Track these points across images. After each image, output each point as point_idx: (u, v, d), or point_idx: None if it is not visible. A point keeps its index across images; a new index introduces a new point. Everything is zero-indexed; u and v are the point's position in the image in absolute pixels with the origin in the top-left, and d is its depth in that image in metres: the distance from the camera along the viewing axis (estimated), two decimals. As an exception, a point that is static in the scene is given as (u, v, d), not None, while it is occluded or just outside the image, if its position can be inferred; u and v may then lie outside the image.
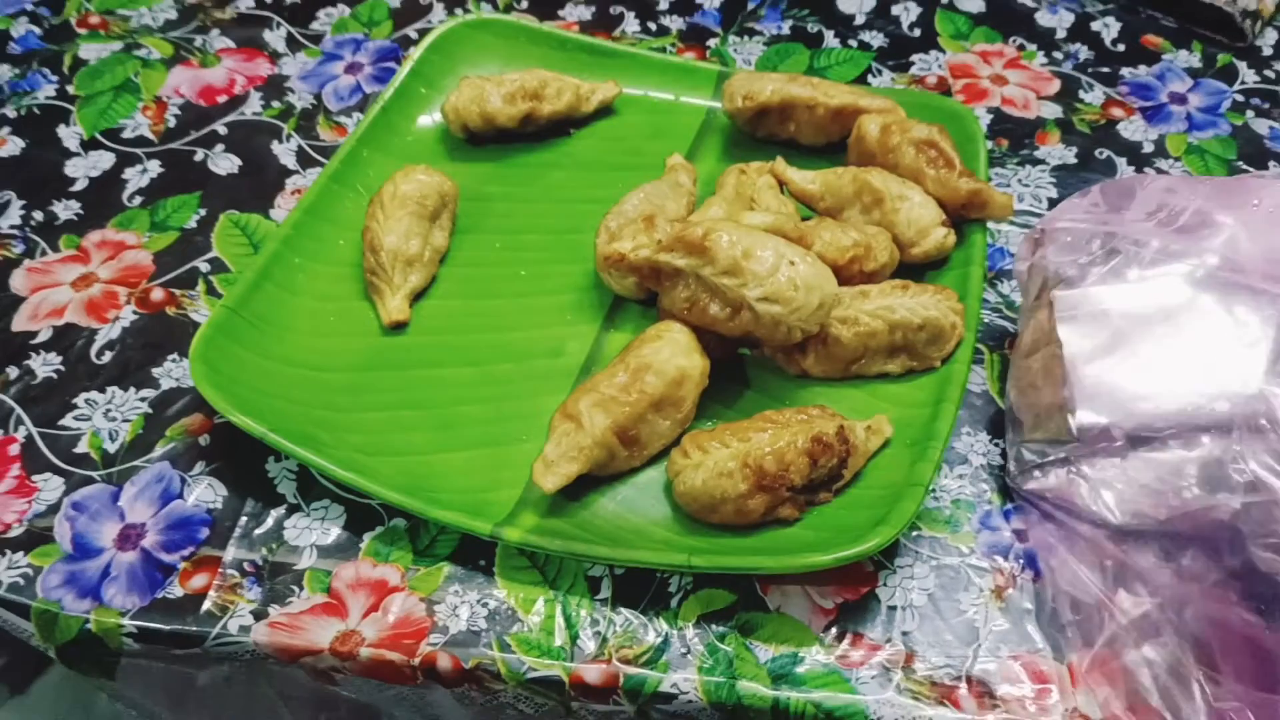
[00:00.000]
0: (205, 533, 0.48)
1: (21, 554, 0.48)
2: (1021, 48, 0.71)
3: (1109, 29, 0.72)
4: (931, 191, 0.57)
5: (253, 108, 0.67)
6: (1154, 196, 0.50)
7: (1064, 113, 0.67)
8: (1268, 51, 0.71)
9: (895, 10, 0.73)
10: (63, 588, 0.47)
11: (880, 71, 0.69)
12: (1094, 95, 0.68)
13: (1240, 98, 0.68)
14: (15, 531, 0.48)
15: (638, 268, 0.52)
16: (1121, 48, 0.71)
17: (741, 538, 0.47)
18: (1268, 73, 0.69)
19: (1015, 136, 0.65)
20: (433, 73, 0.65)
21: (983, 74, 0.69)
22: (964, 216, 0.57)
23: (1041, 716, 0.43)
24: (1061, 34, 0.72)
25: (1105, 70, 0.69)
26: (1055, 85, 0.68)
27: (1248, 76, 0.69)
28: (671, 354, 0.50)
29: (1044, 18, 0.73)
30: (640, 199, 0.57)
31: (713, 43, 0.71)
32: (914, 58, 0.70)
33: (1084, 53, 0.70)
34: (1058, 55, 0.70)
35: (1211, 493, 0.44)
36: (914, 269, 0.57)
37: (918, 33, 0.72)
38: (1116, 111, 0.67)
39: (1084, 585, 0.45)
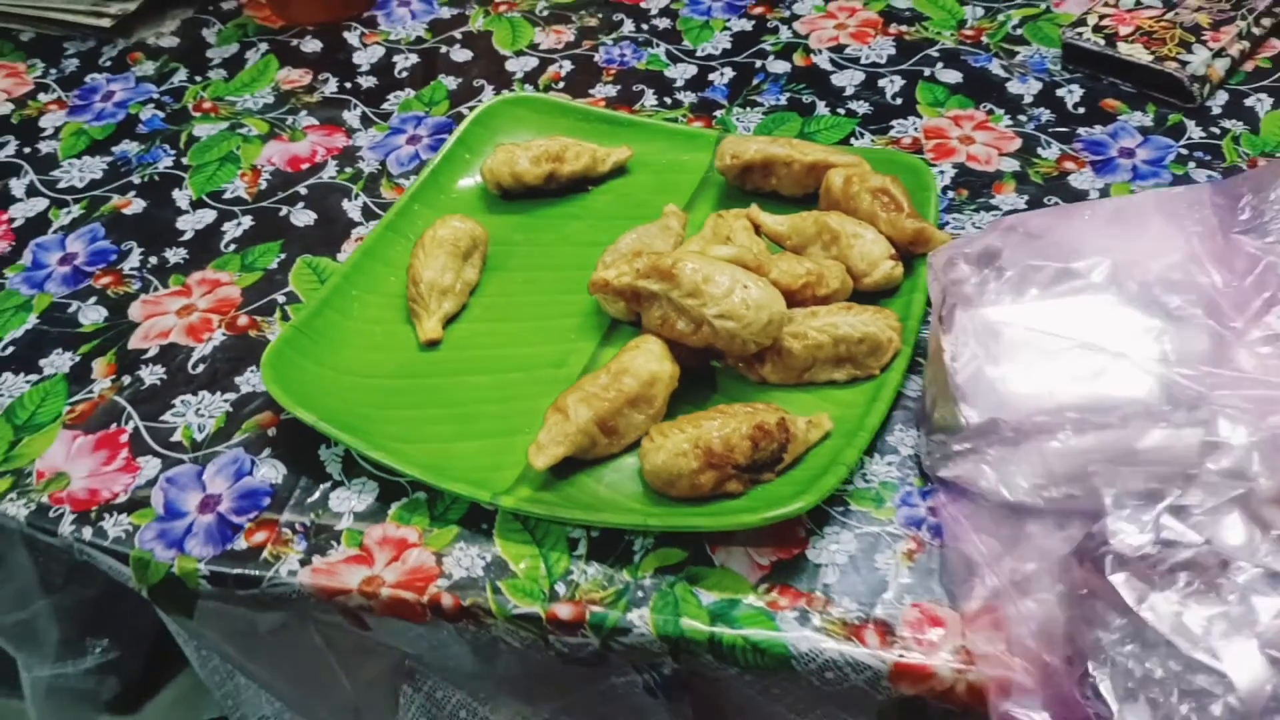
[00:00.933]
0: (267, 501, 0.60)
1: (125, 515, 0.60)
2: (990, 112, 0.81)
3: (1072, 94, 0.81)
4: (883, 231, 0.67)
5: (329, 173, 0.81)
6: (1048, 224, 0.59)
7: (1021, 166, 0.76)
8: (1217, 111, 0.79)
9: (881, 83, 0.84)
10: (154, 541, 0.59)
11: (862, 134, 0.80)
12: (1051, 151, 0.77)
13: (1185, 151, 0.76)
14: (121, 499, 0.61)
15: (621, 291, 0.63)
16: (1082, 110, 0.80)
17: (695, 507, 0.57)
18: (1213, 129, 0.77)
19: (974, 187, 0.75)
20: (475, 141, 0.78)
21: (952, 135, 0.79)
22: (911, 252, 0.67)
23: (932, 651, 0.51)
24: (1029, 100, 0.81)
25: (1064, 130, 0.78)
26: (1016, 143, 0.78)
27: (1194, 132, 0.77)
28: (646, 360, 0.61)
29: (1014, 86, 0.83)
30: (633, 238, 0.68)
31: (719, 113, 0.83)
32: (894, 122, 0.80)
33: (1046, 115, 0.80)
34: (1022, 118, 0.80)
35: (1084, 479, 0.52)
36: (869, 296, 0.66)
37: (899, 101, 0.82)
38: (1069, 165, 0.76)
39: (979, 549, 0.54)
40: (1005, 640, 0.50)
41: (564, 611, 0.55)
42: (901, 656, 0.52)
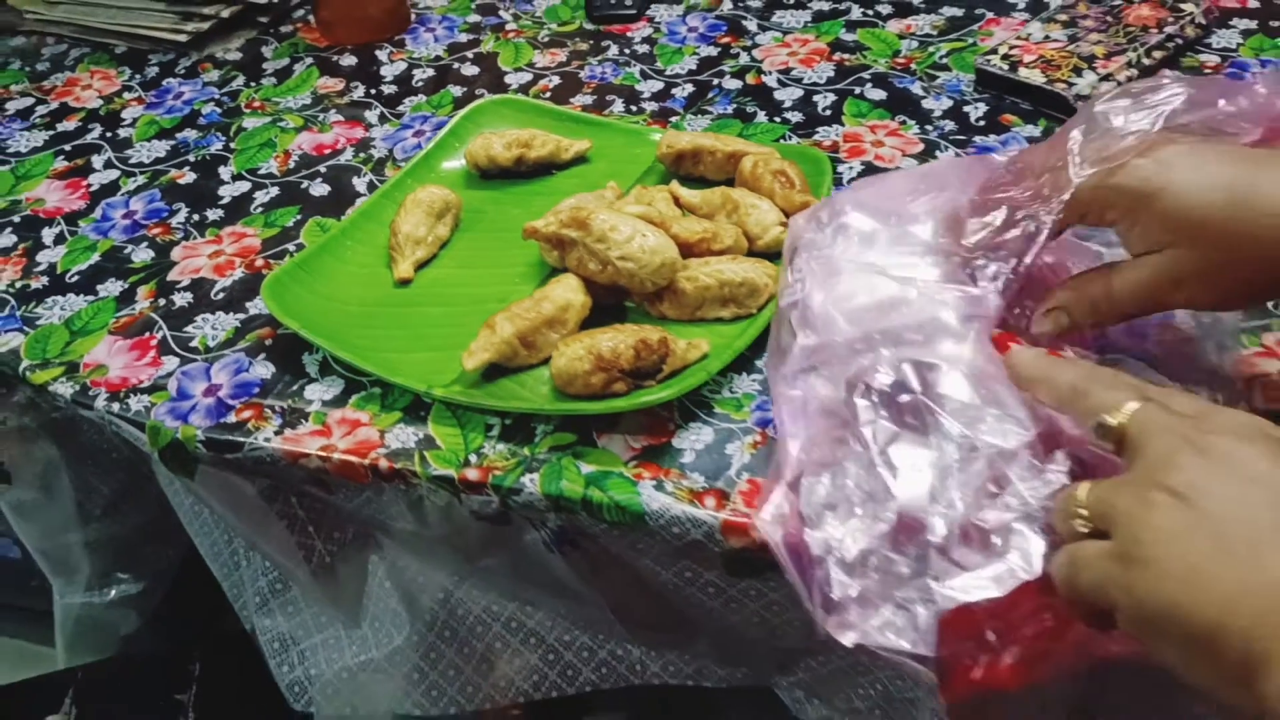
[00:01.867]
0: (256, 390, 0.76)
1: (146, 396, 0.76)
2: (903, 122, 0.94)
3: (977, 110, 0.95)
4: (778, 204, 0.81)
5: (346, 157, 0.97)
6: (890, 188, 0.72)
7: (918, 164, 0.89)
8: (1099, 126, 0.91)
9: (816, 98, 0.98)
10: (165, 414, 0.75)
11: (790, 138, 0.94)
12: (946, 154, 0.90)
13: (1062, 156, 0.88)
14: (145, 384, 0.77)
15: (548, 237, 0.78)
16: (983, 123, 0.93)
17: (587, 401, 0.71)
18: (1092, 140, 0.90)
19: (875, 179, 0.88)
20: (464, 133, 0.94)
21: (867, 140, 0.93)
22: (801, 222, 0.80)
23: (754, 511, 0.64)
24: (939, 113, 0.95)
25: (962, 138, 0.92)
26: (919, 147, 0.91)
27: (1074, 142, 0.90)
28: (563, 290, 0.75)
29: (928, 103, 0.96)
30: (572, 202, 0.83)
31: (674, 119, 0.98)
32: (820, 129, 0.94)
33: (950, 125, 0.93)
34: (929, 128, 0.93)
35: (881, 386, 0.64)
36: (764, 257, 0.80)
37: (829, 113, 0.96)
38: (959, 164, 0.88)
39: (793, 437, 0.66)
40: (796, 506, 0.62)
41: (472, 475, 0.69)
42: (731, 516, 0.65)
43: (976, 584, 0.52)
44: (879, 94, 0.98)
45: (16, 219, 0.94)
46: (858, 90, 0.99)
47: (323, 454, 0.71)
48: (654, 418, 0.71)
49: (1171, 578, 0.43)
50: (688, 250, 0.78)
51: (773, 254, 0.80)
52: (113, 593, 1.07)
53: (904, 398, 0.57)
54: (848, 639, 0.56)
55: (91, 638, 1.12)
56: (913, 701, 0.72)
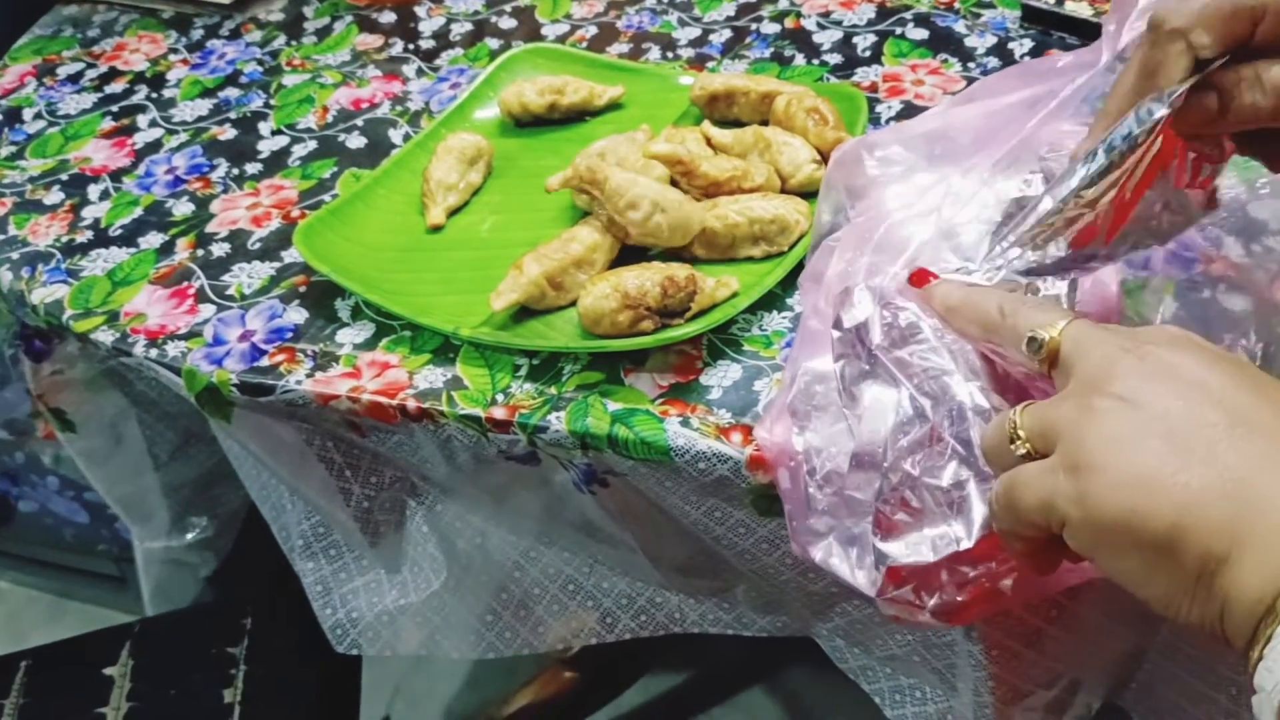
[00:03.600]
0: (289, 335, 0.76)
1: (183, 342, 0.77)
2: (945, 61, 0.92)
3: (1021, 47, 0.92)
4: (812, 142, 0.80)
5: (383, 110, 0.97)
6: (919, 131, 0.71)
7: (959, 102, 0.87)
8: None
9: (855, 40, 0.96)
10: (202, 360, 0.75)
11: (828, 80, 0.92)
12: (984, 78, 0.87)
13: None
14: (182, 331, 0.78)
15: (572, 187, 0.77)
16: (1028, 60, 0.91)
17: (614, 340, 0.70)
18: (1141, 73, 0.87)
19: (913, 117, 0.86)
20: (498, 82, 0.94)
21: (906, 79, 0.91)
22: (835, 159, 0.79)
23: (776, 445, 0.63)
24: (982, 51, 0.92)
25: (1005, 73, 0.89)
26: (960, 85, 0.89)
27: (1123, 75, 0.87)
28: (591, 231, 0.75)
29: (971, 40, 0.94)
30: (603, 144, 0.82)
31: (710, 64, 0.96)
32: (858, 70, 0.93)
33: (994, 63, 0.91)
34: (971, 65, 0.91)
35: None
36: (798, 195, 0.78)
37: (868, 54, 0.94)
38: (1002, 100, 0.86)
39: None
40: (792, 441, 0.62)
41: (499, 414, 0.68)
42: (755, 450, 0.64)
43: (909, 547, 0.51)
44: (921, 33, 0.96)
45: (65, 177, 0.96)
46: (899, 30, 0.96)
47: (352, 396, 0.71)
48: (682, 355, 0.70)
49: (1124, 484, 0.41)
50: (717, 189, 0.77)
51: (805, 193, 0.78)
52: (189, 536, 1.10)
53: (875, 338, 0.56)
54: (813, 554, 0.56)
55: (175, 581, 1.16)
56: (950, 645, 0.71)
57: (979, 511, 0.49)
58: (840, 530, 0.56)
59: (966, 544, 0.49)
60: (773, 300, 0.72)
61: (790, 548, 0.64)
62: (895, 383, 0.54)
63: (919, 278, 0.56)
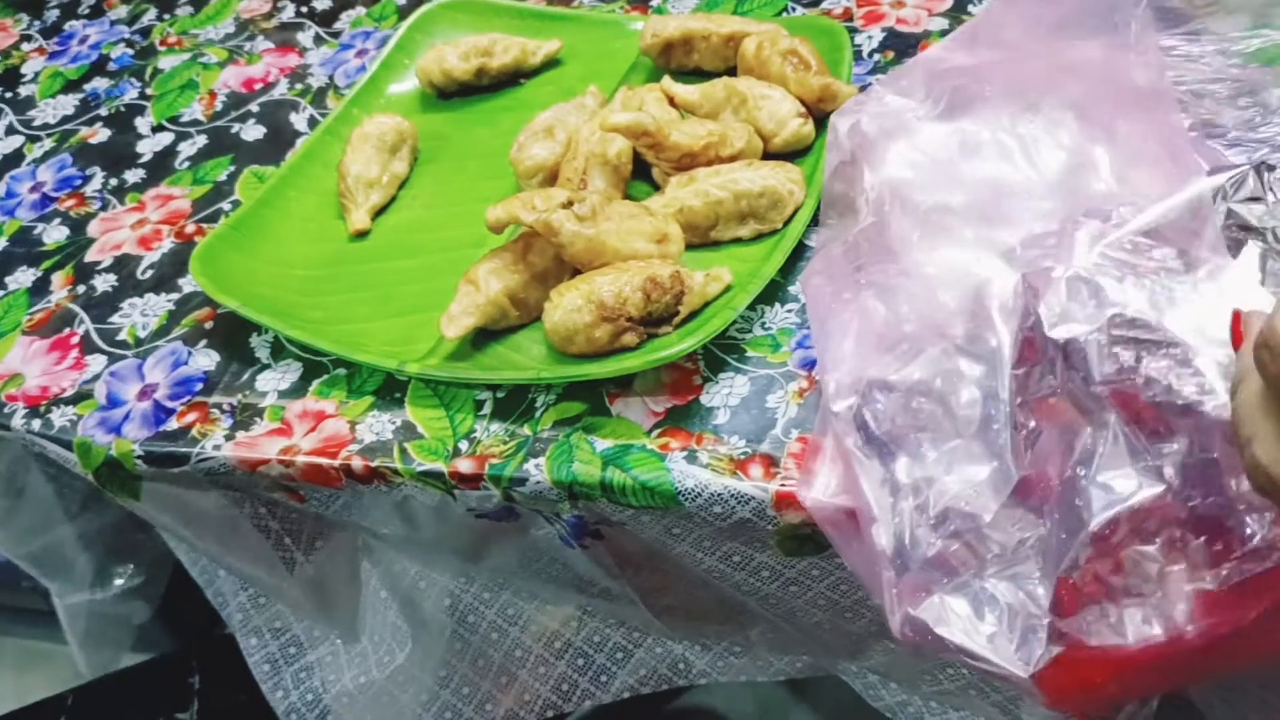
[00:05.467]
0: (199, 386, 0.63)
1: (70, 407, 0.64)
2: (926, -24, 0.80)
3: (1010, -49, 0.80)
4: (793, 91, 0.67)
5: (280, 91, 0.83)
6: (926, 77, 0.59)
7: (949, 25, 0.75)
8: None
9: (819, -42, 0.83)
10: (95, 428, 0.62)
11: (794, 8, 0.80)
12: (980, 8, 0.76)
13: (1120, -5, 0.74)
14: (69, 393, 0.65)
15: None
16: (1019, -34, 0.78)
17: (593, 361, 0.58)
18: (1152, -28, 0.75)
19: (900, 48, 0.74)
20: (413, 47, 0.80)
21: (884, 1, 0.78)
22: (821, 110, 0.67)
23: (807, 476, 0.52)
24: (966, -38, 0.80)
25: (997, -14, 0.77)
26: (948, 3, 0.77)
27: (1132, -23, 0.75)
28: (550, 227, 0.62)
29: (953, -51, 0.81)
30: (548, 116, 0.70)
31: (655, 2, 0.83)
32: (828, -5, 0.80)
33: (982, -27, 0.79)
34: (957, -21, 0.79)
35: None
36: (785, 158, 0.67)
37: (836, -26, 0.82)
38: (999, 19, 0.74)
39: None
40: (841, 466, 0.51)
41: (465, 466, 0.57)
42: (783, 485, 0.53)
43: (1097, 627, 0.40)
44: (892, -54, 0.83)
45: (-92, 207, 0.81)
46: (866, -57, 0.84)
47: (284, 459, 0.59)
48: (676, 371, 0.59)
49: None
50: (692, 160, 0.65)
51: (794, 153, 0.67)
52: (116, 586, 0.98)
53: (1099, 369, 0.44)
54: (923, 616, 0.45)
55: (105, 634, 1.04)
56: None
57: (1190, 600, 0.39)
58: (959, 584, 0.45)
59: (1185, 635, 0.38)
60: (773, 291, 0.61)
61: (827, 592, 0.54)
62: (1105, 424, 0.42)
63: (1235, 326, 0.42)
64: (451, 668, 0.68)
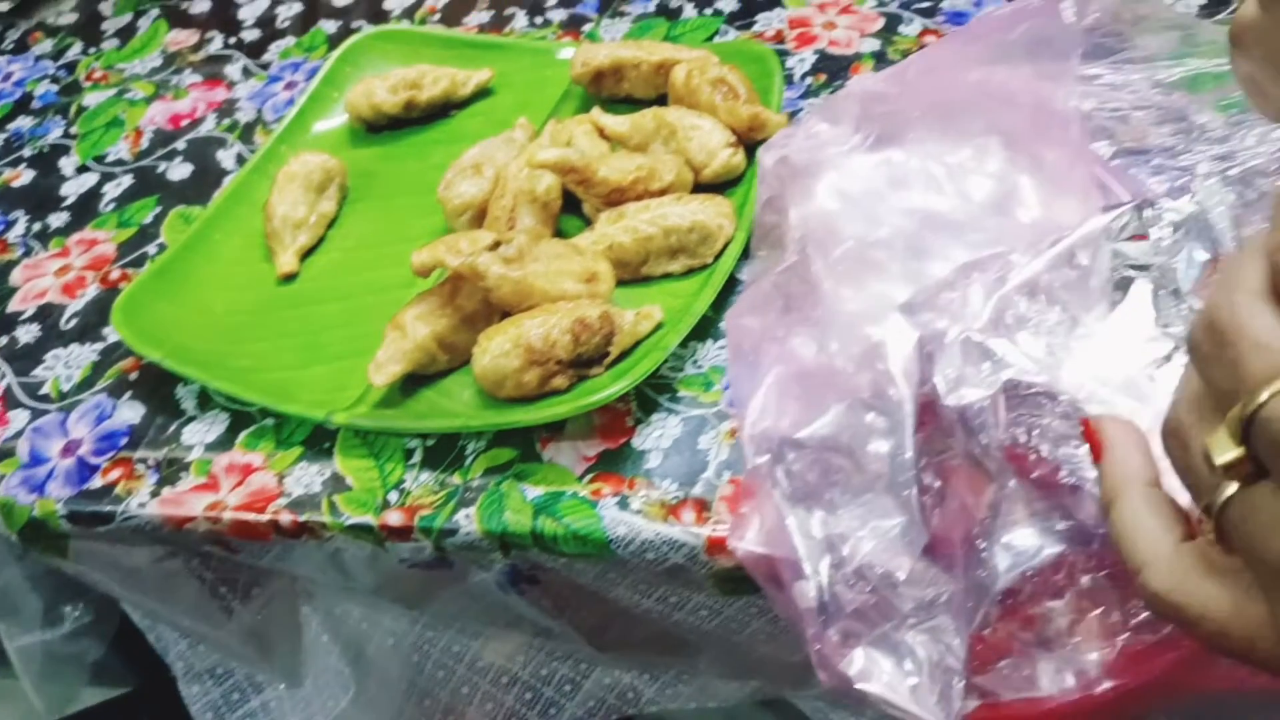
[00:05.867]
0: (124, 441, 0.62)
1: (-8, 466, 0.62)
2: (856, -5, 0.79)
3: (941, -32, 0.80)
4: (723, 120, 0.67)
5: (208, 126, 0.82)
6: (855, 107, 0.59)
7: (881, 46, 0.75)
8: (1087, -31, 0.77)
9: (750, -21, 0.83)
10: (18, 488, 0.61)
11: (726, 32, 0.79)
12: (912, 28, 0.75)
13: (1050, 12, 0.74)
14: (-10, 451, 0.63)
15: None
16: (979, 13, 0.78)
17: (524, 407, 0.57)
18: (1081, -13, 0.75)
19: (832, 71, 0.74)
20: (341, 79, 0.79)
21: (816, 23, 0.78)
22: (754, 139, 0.66)
23: (737, 521, 0.51)
24: (896, -21, 0.80)
25: (927, 4, 0.77)
26: (879, 23, 0.76)
27: (1061, -7, 0.75)
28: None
29: (883, -33, 0.81)
30: (476, 152, 0.69)
31: (587, 27, 0.82)
32: (759, 17, 0.79)
33: (912, -9, 0.78)
34: (887, -2, 0.78)
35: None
36: (717, 188, 0.66)
37: (767, -5, 0.81)
38: (930, 39, 0.74)
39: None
40: (763, 505, 0.50)
41: (394, 518, 0.56)
42: (715, 531, 0.52)
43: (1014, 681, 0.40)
44: (823, -36, 0.83)
45: None
46: (798, -37, 0.83)
47: (211, 515, 0.58)
48: (608, 413, 0.58)
49: None
50: (621, 195, 0.64)
51: (725, 183, 0.66)
52: (66, 625, 0.97)
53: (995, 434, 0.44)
54: (844, 669, 0.45)
55: (59, 674, 1.02)
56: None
57: (1101, 651, 0.39)
58: (878, 637, 0.45)
59: (1097, 687, 0.38)
60: (705, 326, 0.60)
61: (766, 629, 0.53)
62: (1006, 485, 0.42)
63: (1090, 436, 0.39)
64: (399, 709, 0.67)
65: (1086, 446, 0.37)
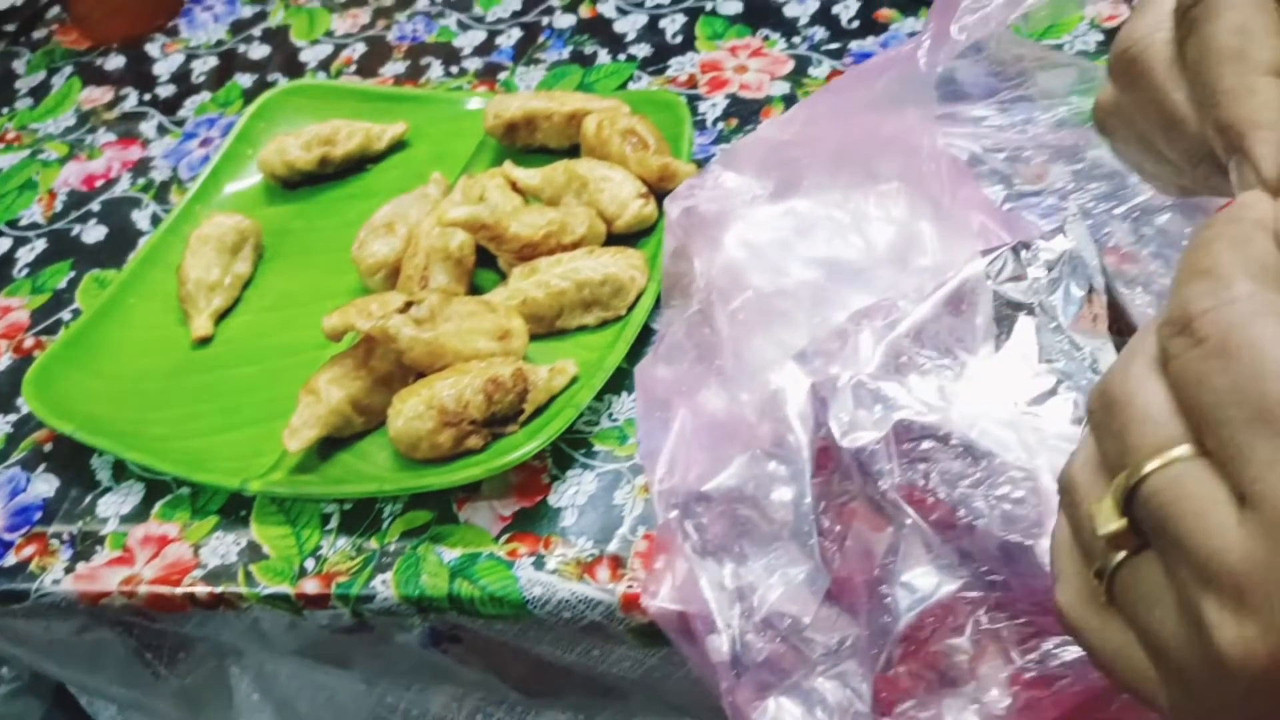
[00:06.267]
0: (38, 515, 0.62)
1: (-96, 546, 0.62)
2: (766, 38, 0.80)
3: (848, 9, 0.81)
4: (634, 171, 0.67)
5: (122, 186, 0.81)
6: (759, 155, 0.59)
7: (791, 89, 0.76)
8: (989, 6, 0.78)
9: (662, 24, 0.84)
10: (-70, 567, 0.60)
11: (640, 77, 0.80)
12: (821, 70, 0.77)
13: (954, 51, 0.75)
14: (-98, 530, 0.62)
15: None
16: (856, 24, 0.80)
17: (439, 469, 0.58)
18: (984, 25, 0.77)
19: (743, 115, 0.75)
20: (255, 136, 0.79)
21: (728, 66, 0.79)
22: (665, 189, 0.67)
23: (651, 577, 0.52)
24: (804, 20, 0.81)
25: (835, 46, 0.78)
26: (789, 66, 0.78)
27: (965, 31, 0.77)
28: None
29: (791, 9, 0.82)
30: (389, 210, 0.69)
31: (503, 76, 0.83)
32: (672, 61, 0.80)
33: (820, 33, 0.79)
34: (796, 39, 0.79)
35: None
36: (630, 239, 0.67)
37: (679, 39, 0.82)
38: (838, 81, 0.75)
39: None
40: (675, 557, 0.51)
41: (311, 587, 0.56)
42: (630, 588, 0.52)
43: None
44: (733, 7, 0.84)
45: None
46: (709, 5, 0.84)
47: (126, 590, 0.57)
48: (524, 471, 0.58)
49: None
50: (533, 250, 0.64)
51: (636, 234, 0.67)
52: (3, 687, 0.95)
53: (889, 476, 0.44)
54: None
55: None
56: None
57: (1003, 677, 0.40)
58: (790, 686, 0.45)
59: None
60: (620, 379, 0.61)
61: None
62: (903, 525, 0.43)
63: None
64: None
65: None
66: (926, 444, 0.44)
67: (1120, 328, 0.45)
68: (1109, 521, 0.28)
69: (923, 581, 0.42)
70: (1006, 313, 0.46)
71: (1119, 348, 0.45)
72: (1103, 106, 0.36)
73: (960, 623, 0.42)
